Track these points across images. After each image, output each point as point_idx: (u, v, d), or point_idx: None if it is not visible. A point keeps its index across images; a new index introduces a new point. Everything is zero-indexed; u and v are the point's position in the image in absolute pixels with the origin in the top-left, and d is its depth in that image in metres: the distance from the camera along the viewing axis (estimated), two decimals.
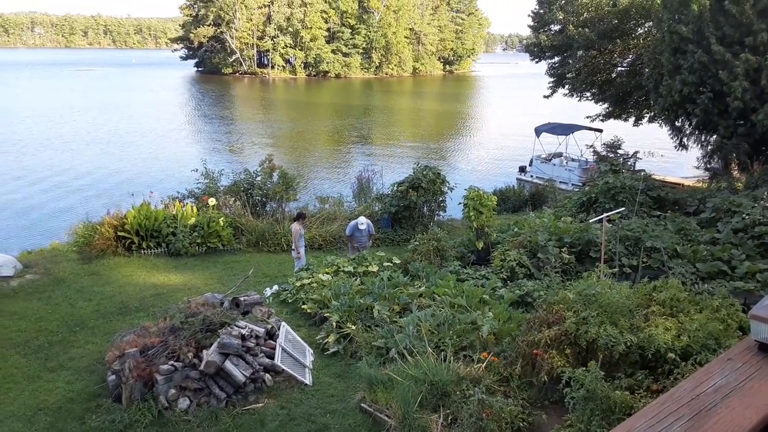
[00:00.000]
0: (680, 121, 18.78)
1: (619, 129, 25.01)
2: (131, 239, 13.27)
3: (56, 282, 11.38)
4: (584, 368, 5.39)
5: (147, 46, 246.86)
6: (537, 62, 27.70)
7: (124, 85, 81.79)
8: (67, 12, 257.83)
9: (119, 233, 13.23)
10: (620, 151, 20.78)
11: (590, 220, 11.37)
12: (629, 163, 19.44)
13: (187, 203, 14.97)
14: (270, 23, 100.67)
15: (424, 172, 16.09)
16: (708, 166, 19.38)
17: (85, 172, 28.90)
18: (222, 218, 14.27)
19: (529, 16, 27.37)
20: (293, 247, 12.29)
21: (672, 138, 20.12)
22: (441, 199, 16.49)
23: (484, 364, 6.50)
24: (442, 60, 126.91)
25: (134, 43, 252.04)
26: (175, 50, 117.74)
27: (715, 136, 18.02)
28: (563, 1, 25.19)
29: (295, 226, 12.11)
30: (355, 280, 10.35)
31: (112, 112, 52.20)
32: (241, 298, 8.35)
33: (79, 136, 38.77)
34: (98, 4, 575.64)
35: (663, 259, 9.58)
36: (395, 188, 16.33)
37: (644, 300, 6.54)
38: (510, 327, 7.41)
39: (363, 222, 12.85)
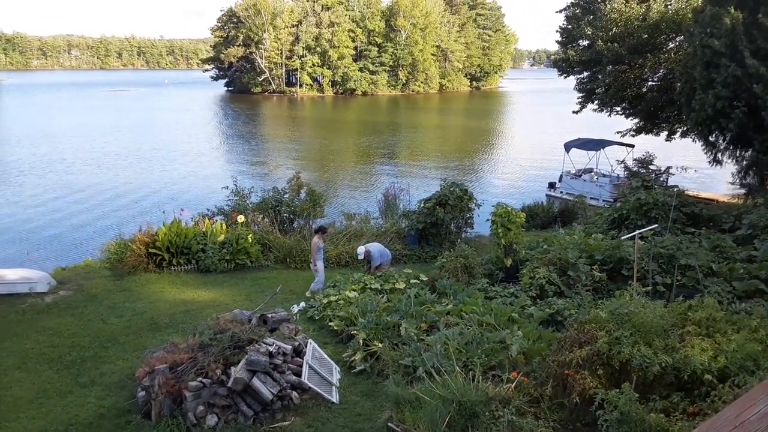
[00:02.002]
0: (714, 135, 18.38)
1: (650, 144, 24.62)
2: (162, 256, 13.48)
3: (89, 298, 11.60)
4: (617, 390, 5.24)
5: (179, 67, 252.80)
6: (565, 77, 27.53)
7: (158, 105, 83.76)
8: (102, 34, 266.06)
9: (150, 250, 13.46)
10: (652, 167, 20.41)
11: (622, 237, 11.15)
12: (662, 178, 19.10)
13: (216, 220, 15.17)
14: (298, 43, 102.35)
15: (451, 189, 16.03)
16: (743, 181, 18.91)
17: (124, 190, 29.55)
18: (250, 235, 14.41)
19: (557, 31, 27.28)
20: (312, 260, 12.29)
21: (706, 153, 19.70)
22: (468, 215, 16.39)
23: (514, 384, 6.37)
24: (468, 76, 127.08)
25: (167, 64, 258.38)
26: (206, 70, 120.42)
27: (750, 151, 17.59)
28: (592, 17, 25.04)
29: (315, 240, 12.12)
30: (382, 297, 10.32)
31: (150, 131, 53.41)
32: (269, 315, 8.38)
33: (119, 155, 39.66)
34: (132, 26, 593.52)
35: (698, 277, 9.33)
36: (422, 205, 16.29)
37: (679, 319, 6.35)
38: (540, 346, 7.27)
39: (360, 251, 12.64)
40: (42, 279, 11.92)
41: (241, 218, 15.03)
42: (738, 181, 19.29)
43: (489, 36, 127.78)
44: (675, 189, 16.68)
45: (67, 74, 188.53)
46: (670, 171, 20.33)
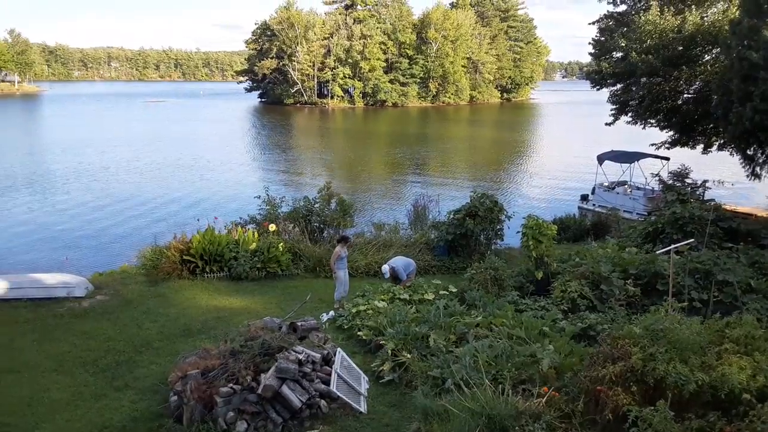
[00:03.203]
0: (752, 149, 17.95)
1: (686, 157, 24.12)
2: (195, 263, 13.72)
3: (124, 303, 11.87)
4: (652, 407, 5.13)
5: (214, 79, 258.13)
6: (598, 89, 27.21)
7: (195, 115, 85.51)
8: (141, 46, 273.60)
9: (184, 257, 13.72)
10: (688, 180, 19.96)
11: (657, 252, 10.93)
12: (698, 192, 18.65)
13: (248, 229, 15.39)
14: (330, 55, 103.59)
15: (481, 200, 15.97)
16: None
17: (164, 199, 30.18)
18: (281, 244, 14.57)
19: (590, 43, 27.02)
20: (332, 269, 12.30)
21: (744, 167, 19.22)
22: (498, 227, 16.28)
23: (545, 399, 6.29)
24: (499, 88, 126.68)
25: (202, 76, 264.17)
26: (240, 82, 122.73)
27: None
28: (625, 29, 24.75)
29: (337, 249, 12.11)
30: (411, 307, 10.31)
31: (188, 141, 54.58)
32: (299, 323, 8.45)
33: (160, 164, 40.53)
34: (170, 39, 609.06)
35: (736, 293, 9.09)
36: (452, 216, 16.25)
37: (716, 337, 6.19)
38: (572, 361, 7.16)
39: (385, 270, 12.64)
40: (80, 284, 12.24)
41: (272, 227, 15.21)
42: None
43: (520, 48, 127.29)
44: (712, 203, 16.28)
45: (107, 85, 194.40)
46: (707, 185, 19.84)
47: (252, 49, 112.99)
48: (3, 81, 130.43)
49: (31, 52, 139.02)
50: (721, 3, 22.93)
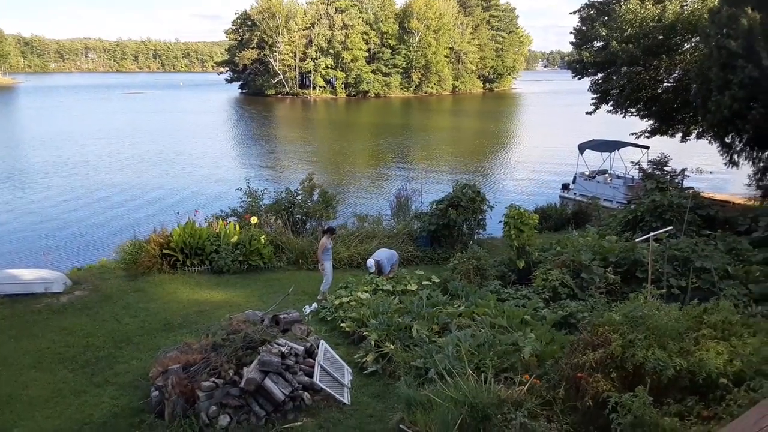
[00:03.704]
0: (730, 137, 18.21)
1: (665, 145, 24.40)
2: (176, 257, 13.57)
3: (104, 298, 11.71)
4: (631, 393, 5.19)
5: (194, 70, 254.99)
6: (579, 79, 27.37)
7: (174, 107, 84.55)
8: (119, 37, 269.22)
9: (165, 251, 13.56)
10: (667, 168, 20.21)
11: (636, 240, 11.05)
12: (677, 180, 18.89)
13: (230, 221, 15.26)
14: (311, 45, 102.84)
15: (464, 191, 16.01)
16: (760, 183, 18.69)
17: (145, 192, 29.89)
18: (263, 236, 14.48)
19: (571, 33, 27.15)
20: (318, 261, 12.25)
21: (722, 155, 19.50)
22: (481, 217, 16.35)
23: (526, 386, 6.34)
24: (482, 78, 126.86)
25: (182, 67, 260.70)
26: (220, 73, 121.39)
27: (767, 153, 17.37)
28: (606, 18, 24.88)
29: (323, 240, 12.06)
30: (394, 298, 10.30)
31: (167, 133, 53.96)
32: (281, 316, 8.41)
33: (139, 157, 40.12)
34: (148, 29, 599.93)
35: (713, 280, 9.22)
36: (434, 206, 16.27)
37: (694, 323, 6.28)
38: (553, 349, 7.22)
39: (371, 265, 12.34)
40: (58, 279, 12.05)
41: (254, 219, 15.11)
42: (754, 182, 19.08)
43: (502, 38, 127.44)
44: (690, 191, 16.49)
45: (84, 77, 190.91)
46: (686, 173, 20.10)
47: (232, 40, 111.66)
48: None
49: (5, 43, 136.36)
50: None
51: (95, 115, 70.56)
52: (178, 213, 15.52)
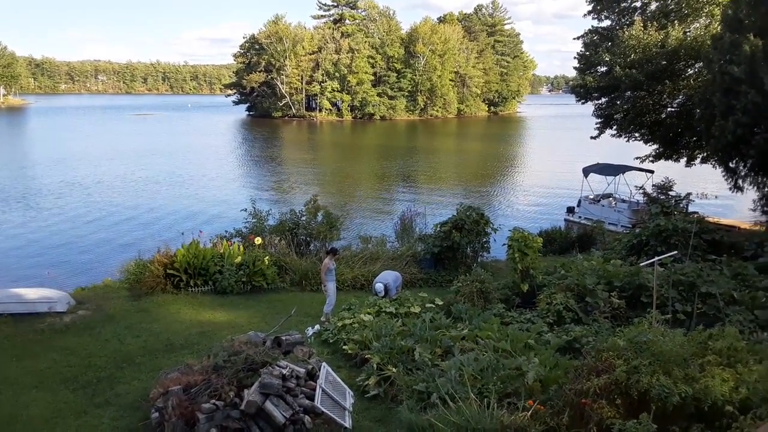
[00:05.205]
0: (734, 162, 18.18)
1: (670, 170, 24.40)
2: (180, 277, 13.57)
3: (107, 318, 11.70)
4: (636, 420, 5.13)
5: (202, 92, 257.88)
6: (583, 103, 27.51)
7: (182, 129, 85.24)
8: (129, 60, 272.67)
9: (168, 271, 13.57)
10: (672, 193, 20.19)
11: (641, 264, 11.00)
12: (681, 204, 18.85)
13: (234, 242, 15.28)
14: (318, 69, 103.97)
15: (468, 213, 16.01)
16: (765, 208, 18.60)
17: (153, 212, 29.99)
18: (267, 257, 14.47)
19: (575, 57, 27.37)
20: (321, 282, 12.17)
21: (726, 179, 19.45)
22: (484, 240, 16.32)
23: (530, 412, 6.26)
24: (486, 102, 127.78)
25: (190, 89, 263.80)
26: (228, 95, 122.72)
27: None
28: (609, 43, 25.10)
29: (326, 261, 12.02)
30: (397, 321, 10.25)
31: (179, 155, 54.37)
32: (283, 338, 8.37)
33: (148, 178, 40.26)
34: (157, 52, 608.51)
35: (719, 305, 9.15)
36: (438, 229, 16.27)
37: (699, 349, 6.22)
38: (557, 374, 7.15)
39: (380, 289, 12.13)
40: (61, 298, 12.06)
41: (258, 240, 15.13)
42: (759, 207, 18.99)
43: (507, 62, 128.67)
44: (695, 215, 16.44)
45: (94, 98, 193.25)
46: (690, 197, 20.06)
47: (240, 63, 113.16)
48: None
49: (17, 65, 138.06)
50: (704, 18, 23.36)
51: (106, 136, 71.23)
52: (182, 233, 15.56)
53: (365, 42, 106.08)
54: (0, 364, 9.35)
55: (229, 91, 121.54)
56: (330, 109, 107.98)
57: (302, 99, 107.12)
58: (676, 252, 11.44)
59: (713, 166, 21.55)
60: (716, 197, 29.82)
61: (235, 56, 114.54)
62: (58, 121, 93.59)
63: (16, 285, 13.86)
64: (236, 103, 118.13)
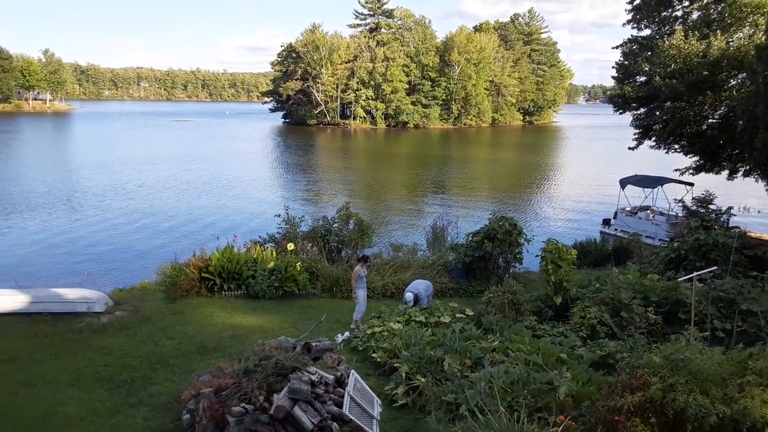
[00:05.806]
0: None
1: (711, 182, 23.76)
2: (214, 280, 13.81)
3: (143, 320, 11.96)
4: None
5: (240, 99, 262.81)
6: (621, 113, 27.03)
7: (220, 135, 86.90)
8: (170, 67, 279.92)
9: (203, 274, 13.81)
10: (712, 206, 19.64)
11: (679, 279, 10.71)
12: (722, 219, 18.32)
13: (267, 247, 15.47)
14: (353, 77, 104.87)
15: (500, 223, 15.88)
16: None
17: (192, 216, 30.61)
18: (299, 263, 14.61)
19: (613, 67, 26.93)
20: (352, 289, 12.20)
21: None
22: (517, 250, 16.15)
23: (561, 428, 6.15)
24: (522, 111, 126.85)
25: (228, 96, 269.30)
26: (264, 103, 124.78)
27: None
28: (649, 53, 24.63)
29: (357, 268, 12.05)
30: (427, 330, 10.20)
31: (217, 160, 55.60)
32: (313, 344, 8.42)
33: (188, 182, 41.27)
34: (197, 60, 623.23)
35: (760, 323, 8.84)
36: (470, 238, 16.16)
37: (739, 368, 6.01)
38: (589, 390, 7.01)
39: (409, 299, 12.08)
40: (100, 299, 12.38)
41: (290, 246, 15.28)
42: None
43: (543, 71, 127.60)
44: (736, 230, 15.95)
45: (136, 104, 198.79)
46: (732, 211, 19.47)
47: (277, 71, 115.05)
48: (35, 99, 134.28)
49: (63, 71, 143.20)
50: (747, 28, 22.72)
51: (149, 141, 73.30)
52: (217, 238, 15.81)
53: (400, 51, 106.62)
54: (39, 361, 9.64)
55: (266, 99, 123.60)
56: (364, 117, 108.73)
57: (337, 107, 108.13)
58: (715, 267, 11.10)
59: (756, 180, 20.91)
60: (759, 212, 28.91)
61: (273, 64, 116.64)
62: (101, 126, 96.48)
63: (57, 285, 14.27)
64: (272, 110, 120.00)
